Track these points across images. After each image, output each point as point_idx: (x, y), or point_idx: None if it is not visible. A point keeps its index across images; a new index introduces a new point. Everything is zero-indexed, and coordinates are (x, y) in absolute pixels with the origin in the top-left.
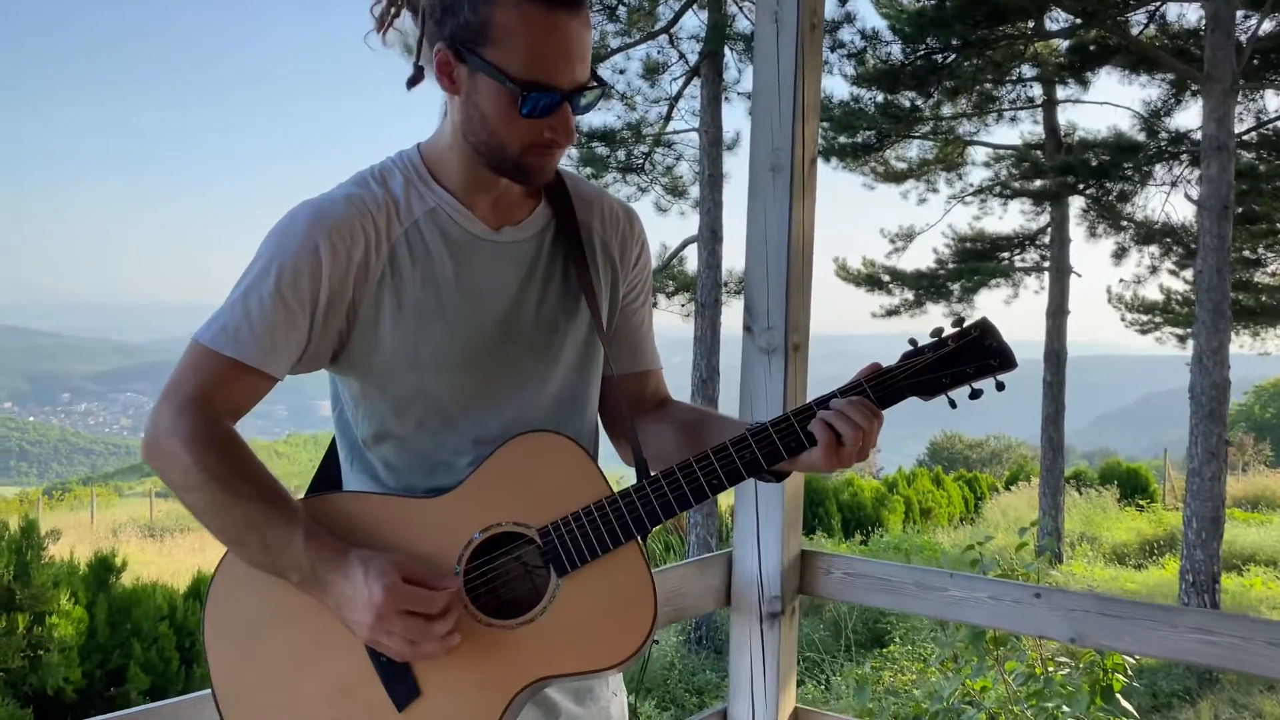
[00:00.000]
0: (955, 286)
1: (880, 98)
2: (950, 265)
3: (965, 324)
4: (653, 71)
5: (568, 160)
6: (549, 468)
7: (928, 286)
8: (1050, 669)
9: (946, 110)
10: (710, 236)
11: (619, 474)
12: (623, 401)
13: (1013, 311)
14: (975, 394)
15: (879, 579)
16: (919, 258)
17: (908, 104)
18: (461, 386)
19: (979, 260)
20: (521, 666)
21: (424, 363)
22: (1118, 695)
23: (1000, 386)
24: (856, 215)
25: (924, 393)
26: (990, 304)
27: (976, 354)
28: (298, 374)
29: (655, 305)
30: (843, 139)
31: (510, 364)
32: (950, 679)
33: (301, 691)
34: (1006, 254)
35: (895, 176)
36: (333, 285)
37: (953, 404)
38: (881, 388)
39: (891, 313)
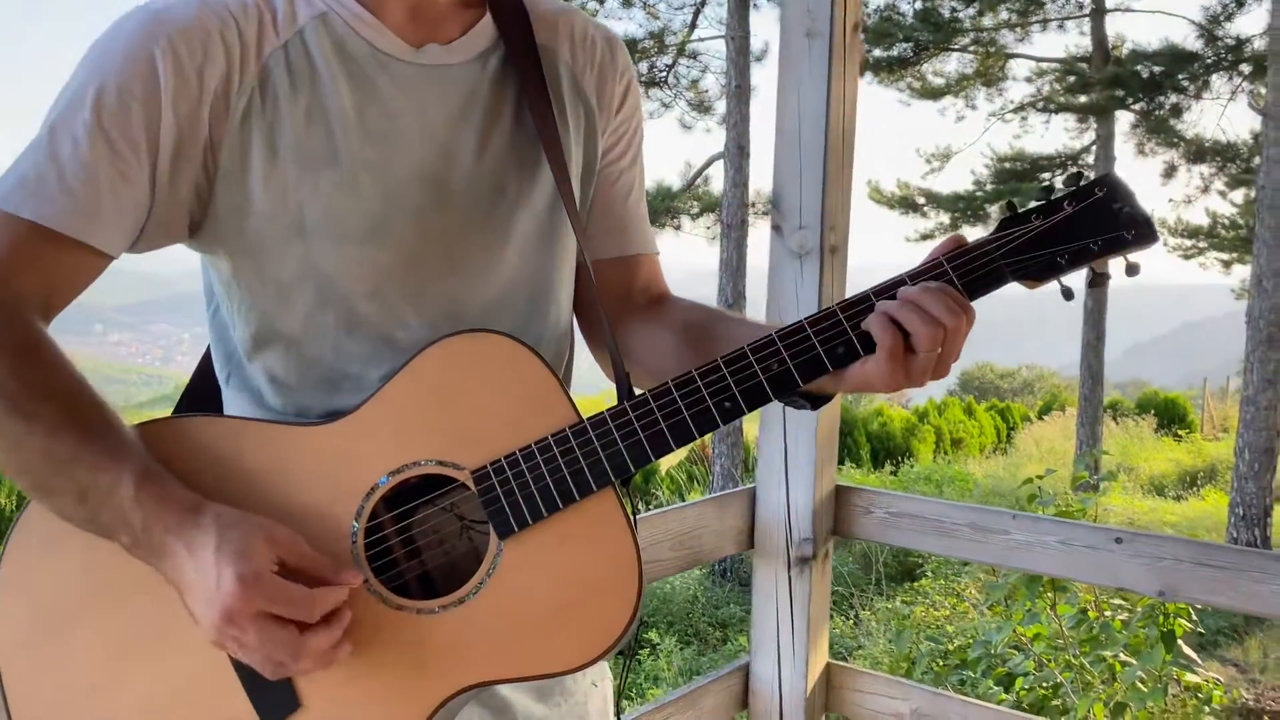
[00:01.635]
0: (994, 209)
1: (918, 4)
2: (989, 187)
3: (1084, 180)
4: None
5: None
6: (491, 384)
7: (964, 209)
8: (1106, 612)
9: (988, 20)
10: (737, 153)
11: (605, 394)
12: (602, 297)
13: None
14: (1097, 279)
15: (928, 519)
16: (956, 179)
17: (947, 13)
18: (366, 266)
19: (1019, 181)
20: (447, 668)
21: (311, 229)
22: (1179, 642)
23: (1133, 270)
24: (891, 134)
25: (1030, 277)
26: None
27: (1102, 221)
28: (142, 251)
29: (677, 225)
30: (878, 52)
31: (439, 236)
32: (999, 624)
33: (126, 702)
34: (1048, 174)
35: (932, 92)
36: (180, 117)
37: (1068, 294)
38: (971, 269)
39: (926, 237)
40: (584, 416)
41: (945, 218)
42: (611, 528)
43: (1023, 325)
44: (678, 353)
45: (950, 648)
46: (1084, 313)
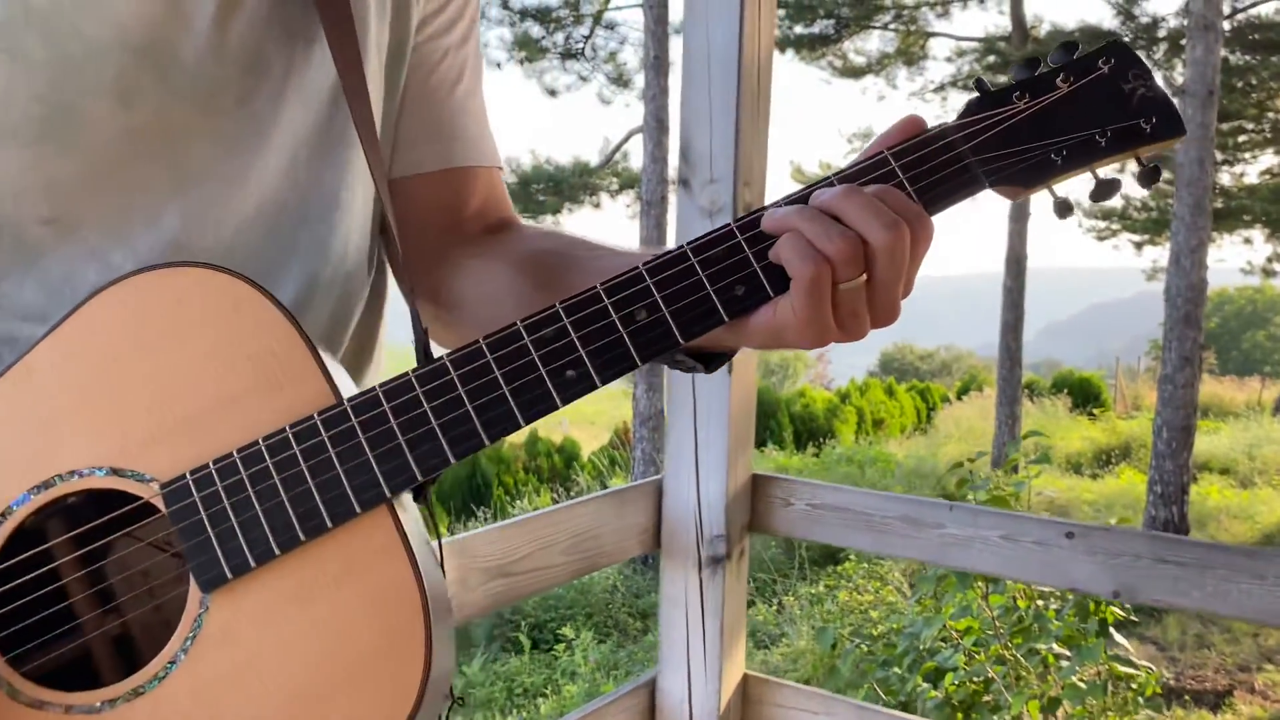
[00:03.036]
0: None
1: None
2: None
3: (1084, 50)
4: None
5: (499, 44)
6: (197, 347)
7: None
8: (1038, 601)
9: None
10: (656, 126)
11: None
12: (418, 224)
13: (970, 220)
14: (1103, 188)
15: (855, 512)
16: None
17: None
18: (38, 177)
19: None
20: None
21: None
22: (1112, 630)
23: (1150, 177)
24: (813, 114)
25: (1011, 181)
26: (950, 210)
27: (1110, 106)
28: None
29: (597, 203)
30: (799, 29)
31: (158, 134)
32: (927, 616)
33: None
34: None
35: (853, 71)
36: None
37: (1063, 209)
38: (928, 165)
39: None
40: (344, 395)
41: None
42: (383, 573)
43: (941, 304)
44: (517, 296)
45: (875, 634)
46: (1003, 293)
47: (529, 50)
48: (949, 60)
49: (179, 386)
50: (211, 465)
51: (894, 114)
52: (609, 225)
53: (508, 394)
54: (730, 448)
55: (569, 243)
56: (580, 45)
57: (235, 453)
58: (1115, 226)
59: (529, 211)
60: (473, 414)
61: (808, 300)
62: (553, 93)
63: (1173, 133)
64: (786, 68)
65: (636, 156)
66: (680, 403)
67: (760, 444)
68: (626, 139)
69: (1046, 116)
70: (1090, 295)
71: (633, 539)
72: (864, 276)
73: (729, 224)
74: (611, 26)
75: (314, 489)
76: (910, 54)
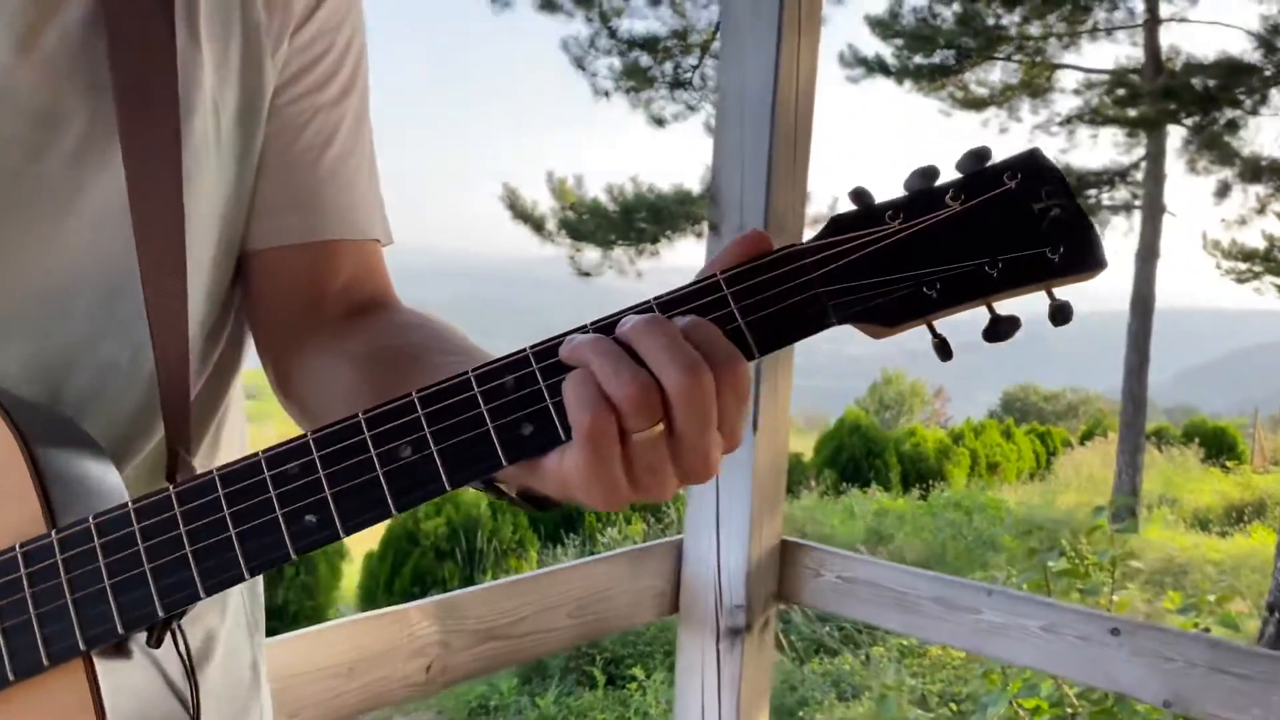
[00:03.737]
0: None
1: (958, 7)
2: None
3: (990, 160)
4: None
5: (608, 73)
6: None
7: None
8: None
9: (1034, 29)
10: None
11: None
12: (275, 303)
13: (1109, 247)
14: (1000, 327)
15: (887, 589)
16: None
17: (990, 19)
18: None
19: None
20: None
21: None
22: None
23: (1061, 315)
24: (931, 145)
25: (869, 317)
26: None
27: (1011, 230)
28: None
29: (699, 233)
30: (918, 59)
31: None
32: (991, 694)
33: None
34: (1094, 190)
35: (975, 103)
36: None
37: (944, 352)
38: (766, 295)
39: None
40: (57, 524)
41: None
42: None
43: (1073, 343)
44: (351, 402)
45: (961, 692)
46: (1128, 336)
47: (637, 80)
48: (1076, 93)
49: None
50: None
51: (1017, 146)
52: (709, 255)
53: (234, 538)
54: (755, 509)
55: (428, 337)
56: (689, 75)
57: None
58: (1257, 268)
59: (629, 240)
60: (190, 560)
61: (587, 453)
62: (660, 122)
63: (1085, 266)
64: (900, 99)
65: None
66: None
67: (864, 484)
68: None
69: (924, 241)
70: (1231, 339)
71: (648, 602)
72: (660, 427)
73: (525, 349)
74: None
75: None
76: (1035, 86)
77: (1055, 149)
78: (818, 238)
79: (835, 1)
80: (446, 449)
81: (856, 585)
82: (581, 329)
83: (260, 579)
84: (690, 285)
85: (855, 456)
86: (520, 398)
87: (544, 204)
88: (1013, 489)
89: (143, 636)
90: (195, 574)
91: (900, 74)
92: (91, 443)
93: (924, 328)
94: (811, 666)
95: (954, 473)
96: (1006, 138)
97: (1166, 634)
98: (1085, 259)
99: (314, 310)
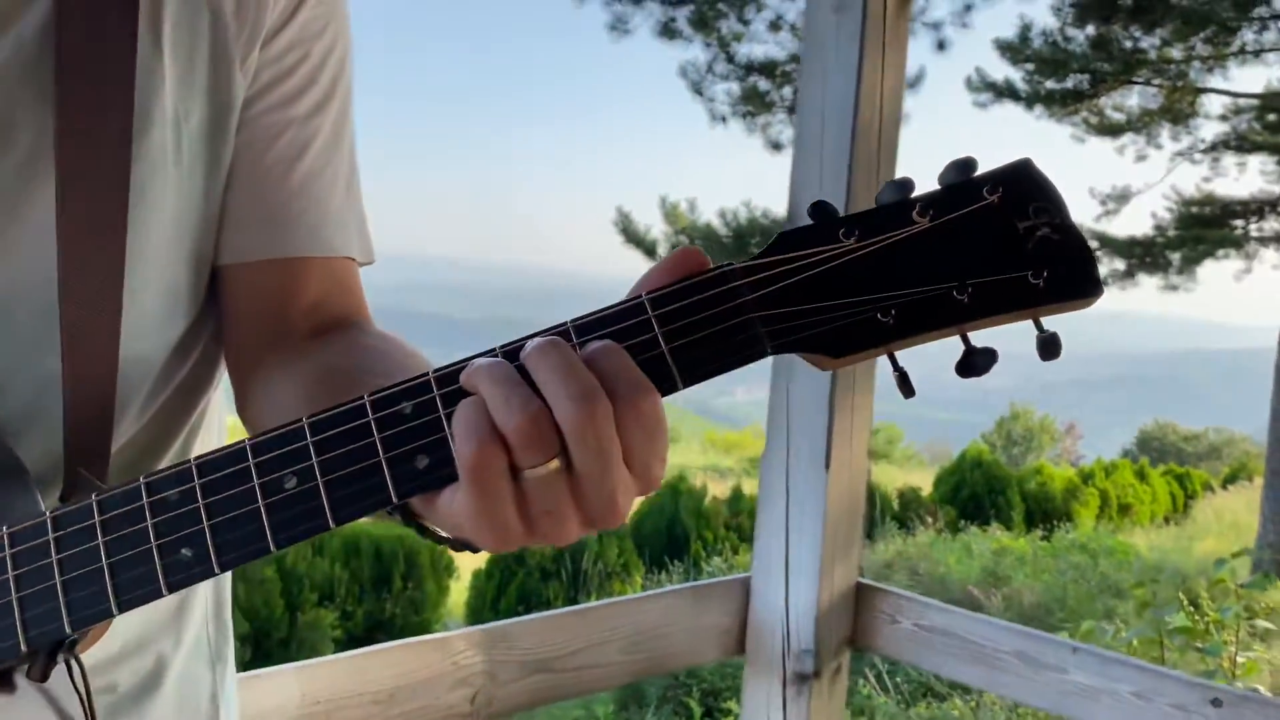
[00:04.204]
0: (1175, 256)
1: (1092, 30)
2: (1171, 232)
3: (972, 173)
4: None
5: (725, 98)
6: None
7: (1142, 256)
8: None
9: (1175, 52)
10: None
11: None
12: (242, 319)
13: (1244, 288)
14: (975, 362)
15: (966, 639)
16: (1134, 223)
17: (1128, 43)
18: None
19: (1206, 227)
20: None
21: None
22: None
23: (1048, 349)
24: (1063, 172)
25: (809, 346)
26: (1218, 277)
27: (987, 249)
28: None
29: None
30: (1050, 83)
31: None
32: None
33: None
34: (1241, 221)
35: (1110, 129)
36: None
37: (905, 387)
38: (693, 314)
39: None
40: None
41: (1120, 264)
42: None
43: (1217, 381)
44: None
45: None
46: (1275, 373)
47: (754, 104)
48: (1223, 118)
49: None
50: None
51: (1155, 173)
52: None
53: (104, 569)
54: (826, 550)
55: (376, 359)
56: None
57: None
58: None
59: None
60: (59, 590)
61: (473, 489)
62: (777, 146)
63: (1075, 294)
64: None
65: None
66: (771, 491)
67: (984, 522)
68: None
69: (881, 262)
70: None
71: (711, 642)
72: (557, 464)
73: (429, 372)
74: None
75: None
76: (1176, 111)
77: (1198, 177)
78: (757, 256)
79: (961, 25)
80: (334, 480)
81: (933, 634)
82: (490, 352)
83: (227, 607)
84: (613, 306)
85: (976, 493)
86: (416, 426)
87: (657, 228)
88: (1145, 533)
89: (24, 669)
90: (62, 605)
91: (1030, 99)
92: (9, 460)
93: (888, 360)
94: (918, 710)
95: (1081, 514)
96: (1144, 166)
97: (1271, 706)
98: (1075, 285)
99: (279, 328)
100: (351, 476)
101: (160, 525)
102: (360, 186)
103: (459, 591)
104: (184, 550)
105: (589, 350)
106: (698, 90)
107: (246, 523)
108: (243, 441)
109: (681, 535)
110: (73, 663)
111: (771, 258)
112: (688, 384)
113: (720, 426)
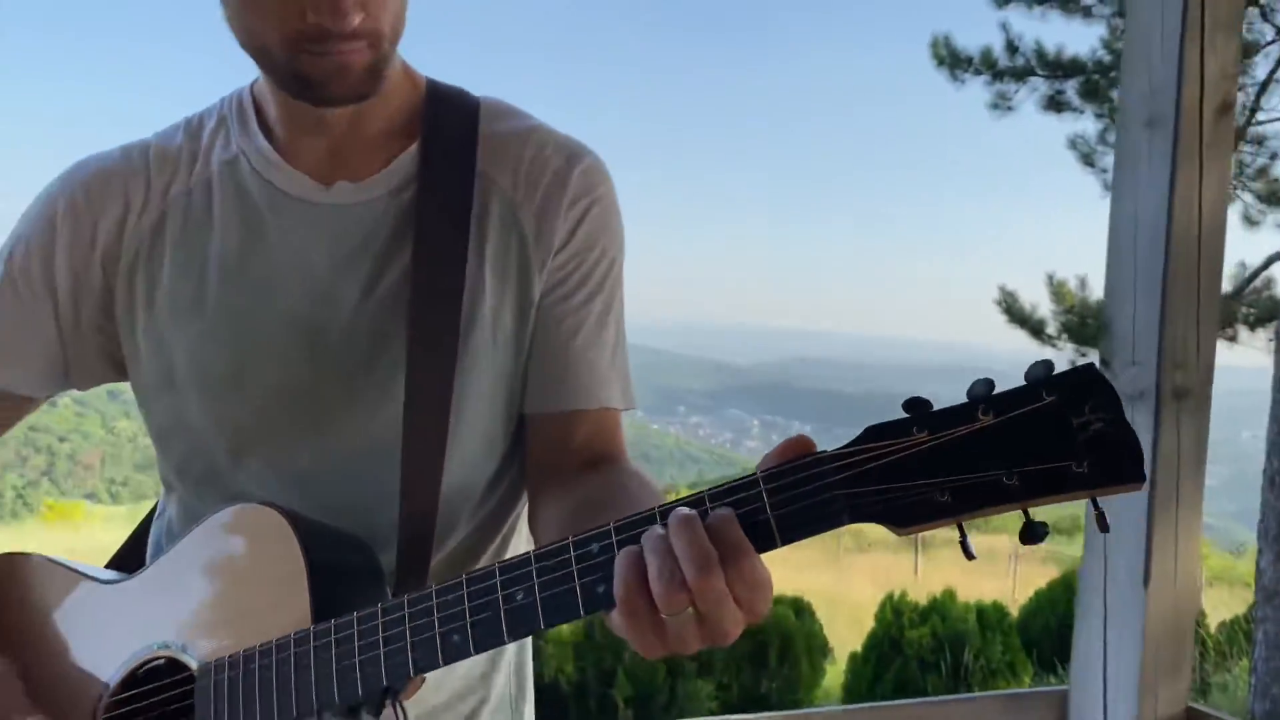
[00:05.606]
0: None
1: None
2: None
3: (1043, 367)
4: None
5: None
6: (244, 565)
7: None
8: None
9: None
10: None
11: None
12: (535, 456)
13: None
14: (1034, 532)
15: None
16: None
17: None
18: (225, 419)
19: None
20: None
21: (180, 380)
22: None
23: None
24: None
25: (879, 517)
26: None
27: (1040, 443)
28: (83, 388)
29: (1232, 335)
30: None
31: (306, 391)
32: None
33: None
34: None
35: None
36: (76, 267)
37: (966, 552)
38: (793, 489)
39: None
40: (315, 623)
41: None
42: None
43: None
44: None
45: None
46: None
47: None
48: None
49: (235, 596)
50: (227, 660)
51: None
52: (1245, 360)
53: (408, 644)
54: (1146, 671)
55: (616, 494)
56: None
57: (244, 653)
58: None
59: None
60: (384, 659)
61: (624, 617)
62: None
63: (1115, 480)
64: None
65: None
66: (1088, 607)
67: None
68: (1268, 264)
69: (945, 452)
70: None
71: None
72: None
73: (610, 524)
74: (1260, 141)
75: (274, 691)
76: None
77: None
78: (847, 445)
79: None
80: (546, 598)
81: None
82: (650, 514)
83: (526, 669)
84: (738, 479)
85: None
86: (600, 563)
87: (1044, 306)
88: None
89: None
90: (382, 668)
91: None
92: (364, 552)
93: (949, 527)
94: None
95: None
96: None
97: None
98: (1117, 472)
99: (558, 462)
100: (556, 596)
101: (444, 618)
102: (625, 349)
103: (834, 674)
104: (454, 637)
105: (712, 517)
106: (1088, 162)
107: (493, 622)
108: (493, 566)
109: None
110: (397, 706)
111: (857, 447)
112: (785, 544)
113: None
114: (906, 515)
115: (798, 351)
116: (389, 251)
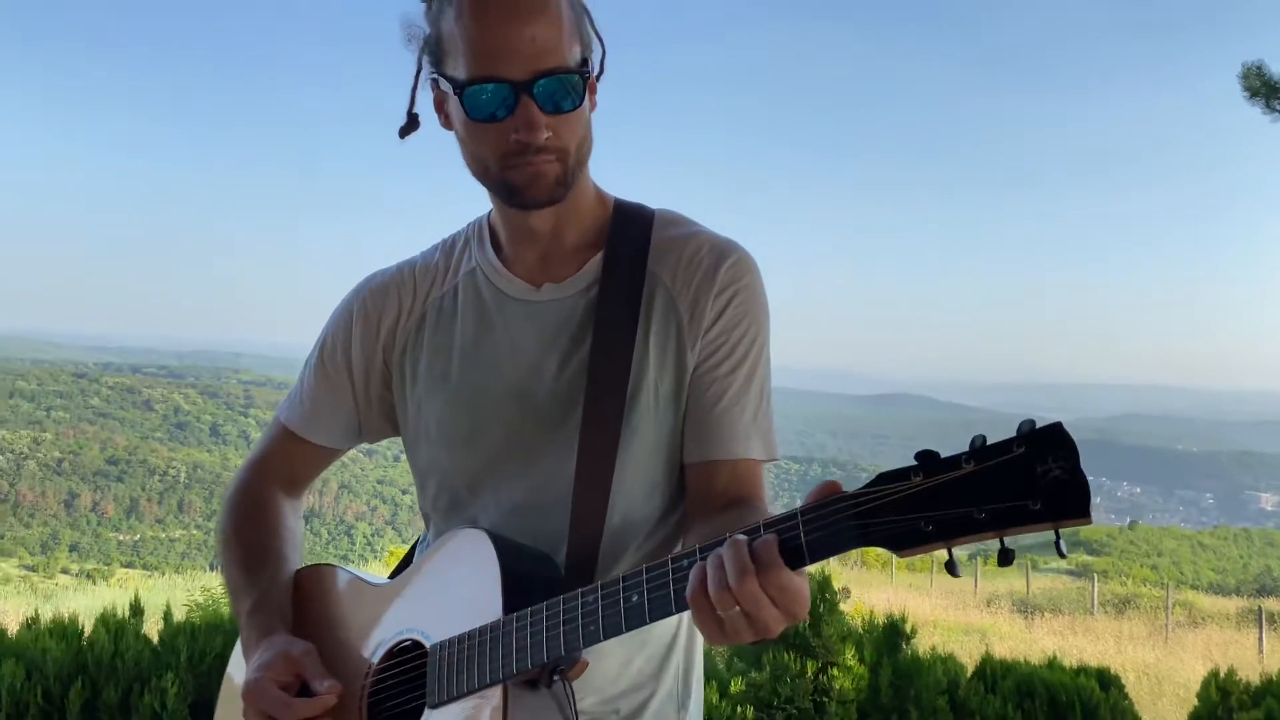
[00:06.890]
0: None
1: None
2: None
3: (1025, 427)
4: None
5: None
6: (462, 572)
7: None
8: None
9: None
10: None
11: None
12: (689, 499)
13: None
14: (1006, 556)
15: None
16: None
17: None
18: (464, 464)
19: None
20: None
21: (433, 436)
22: None
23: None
24: None
25: (885, 542)
26: None
27: (1009, 486)
28: (372, 442)
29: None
30: None
31: (522, 443)
32: None
33: None
34: None
35: None
36: (366, 354)
37: (950, 569)
38: (822, 520)
39: None
40: (503, 616)
41: None
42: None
43: None
44: None
45: None
46: None
47: None
48: None
49: (453, 595)
50: (448, 642)
51: None
52: None
53: (562, 632)
54: None
55: (736, 526)
56: None
57: (457, 638)
58: None
59: None
60: (561, 634)
61: (695, 614)
62: None
63: (1066, 514)
64: None
65: None
66: None
67: None
68: None
69: (934, 493)
70: None
71: None
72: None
73: (696, 544)
74: None
75: (475, 665)
76: None
77: None
78: (862, 488)
79: None
80: (651, 598)
81: None
82: (724, 539)
83: (695, 670)
84: (784, 514)
85: None
86: (687, 572)
87: None
88: None
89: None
90: (545, 649)
91: None
92: (546, 563)
93: (944, 551)
94: None
95: None
96: None
97: None
98: (1065, 509)
99: (704, 503)
100: (661, 595)
101: (585, 612)
102: (770, 410)
103: None
104: (590, 626)
105: (757, 541)
106: None
107: (614, 615)
108: (619, 575)
109: None
110: (565, 682)
111: (869, 490)
112: (813, 561)
113: None
114: (900, 541)
115: (1131, 408)
116: (578, 336)
